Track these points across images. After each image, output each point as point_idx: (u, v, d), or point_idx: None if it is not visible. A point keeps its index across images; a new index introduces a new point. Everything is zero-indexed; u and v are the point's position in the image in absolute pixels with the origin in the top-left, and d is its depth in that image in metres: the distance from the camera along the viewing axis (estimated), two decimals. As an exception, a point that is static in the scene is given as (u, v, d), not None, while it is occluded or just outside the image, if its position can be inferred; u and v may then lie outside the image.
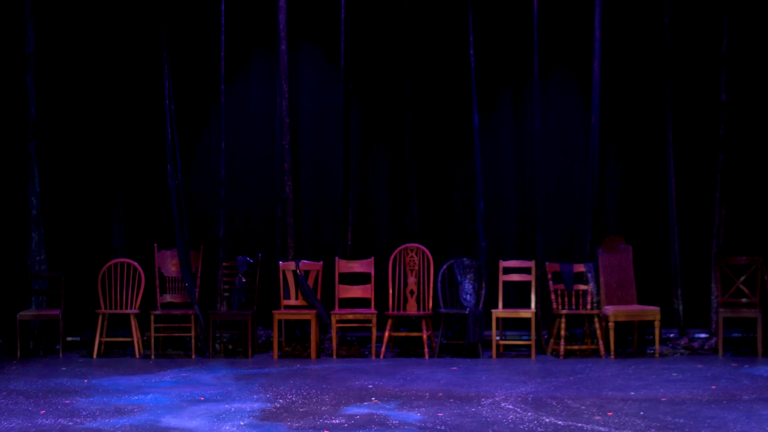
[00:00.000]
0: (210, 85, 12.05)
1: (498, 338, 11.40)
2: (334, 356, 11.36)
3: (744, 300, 11.38)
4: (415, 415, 8.07)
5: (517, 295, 11.89)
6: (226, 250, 11.85)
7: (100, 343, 11.51)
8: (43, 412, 8.41)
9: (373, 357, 11.33)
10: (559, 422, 7.82)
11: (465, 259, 11.72)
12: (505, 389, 9.27)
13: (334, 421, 8.00)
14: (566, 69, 12.18)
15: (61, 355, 11.52)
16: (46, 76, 11.95)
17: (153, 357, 11.45)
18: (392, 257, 11.70)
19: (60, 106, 12.05)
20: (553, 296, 11.39)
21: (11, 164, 12.02)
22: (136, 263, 11.74)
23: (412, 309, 11.62)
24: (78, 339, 12.07)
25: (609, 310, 11.13)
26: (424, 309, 11.58)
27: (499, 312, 11.39)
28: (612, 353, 11.09)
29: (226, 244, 11.85)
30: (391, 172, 12.26)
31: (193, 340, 11.47)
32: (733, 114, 11.69)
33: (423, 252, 11.68)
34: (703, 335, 11.75)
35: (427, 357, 11.23)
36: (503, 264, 11.69)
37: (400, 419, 7.97)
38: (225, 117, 11.94)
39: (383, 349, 11.35)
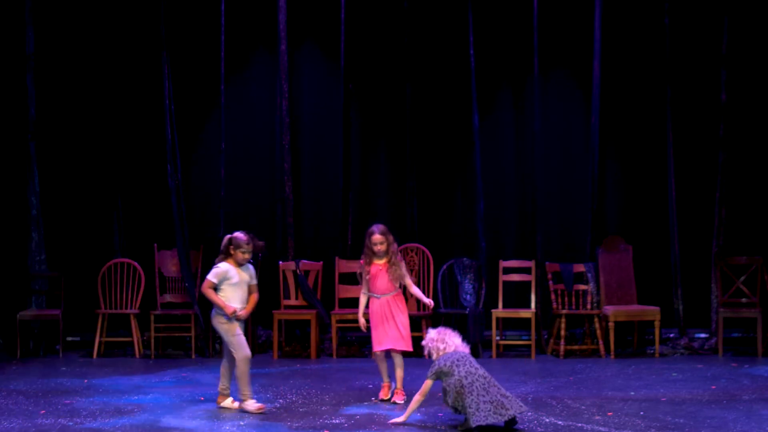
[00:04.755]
0: (210, 85, 12.05)
1: (498, 338, 11.40)
2: (334, 356, 11.35)
3: (744, 300, 11.38)
4: (415, 415, 8.05)
5: (517, 295, 11.88)
6: (226, 250, 11.84)
7: (100, 343, 11.51)
8: (43, 412, 8.41)
9: (373, 357, 11.31)
10: (559, 422, 7.82)
11: (465, 259, 11.72)
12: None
13: (334, 421, 8.00)
14: (566, 69, 12.18)
15: (61, 355, 11.52)
16: (46, 76, 11.95)
17: (153, 357, 11.45)
18: (392, 257, 11.69)
19: (60, 106, 12.05)
20: (553, 296, 11.39)
21: (11, 164, 12.02)
22: (136, 263, 11.74)
23: (412, 309, 11.60)
24: (78, 339, 12.07)
25: (609, 310, 11.13)
26: (424, 309, 11.58)
27: (499, 312, 11.39)
28: (612, 353, 11.09)
29: (226, 244, 11.84)
30: (391, 172, 12.26)
31: (193, 340, 11.47)
32: (733, 114, 11.69)
33: (423, 252, 11.68)
34: (703, 335, 11.75)
35: (427, 357, 11.20)
36: (503, 264, 11.69)
37: (400, 419, 7.97)
38: (225, 117, 11.94)
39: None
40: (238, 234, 8.17)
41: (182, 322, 11.66)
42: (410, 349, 8.88)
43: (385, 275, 8.77)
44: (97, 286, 11.65)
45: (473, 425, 7.41)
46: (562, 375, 10.05)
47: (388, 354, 8.90)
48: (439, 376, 7.66)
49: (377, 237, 8.75)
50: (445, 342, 7.82)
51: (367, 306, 8.93)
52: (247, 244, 8.11)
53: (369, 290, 8.85)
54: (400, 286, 8.85)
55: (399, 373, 8.81)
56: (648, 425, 7.68)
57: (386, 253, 8.76)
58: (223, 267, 8.23)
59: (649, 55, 11.92)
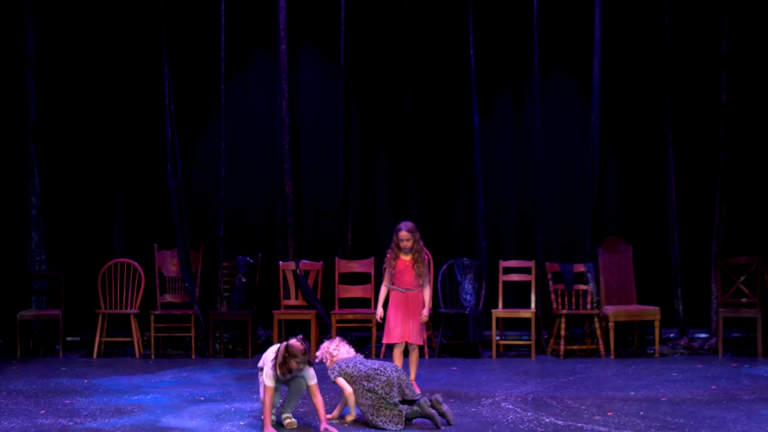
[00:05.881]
0: (210, 85, 12.05)
1: (498, 338, 11.40)
2: (334, 356, 11.33)
3: (744, 300, 11.38)
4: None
5: (517, 295, 11.89)
6: (226, 250, 11.85)
7: (100, 343, 11.52)
8: (43, 412, 8.41)
9: (373, 357, 11.32)
10: (559, 422, 7.83)
11: (465, 259, 11.72)
12: (505, 389, 9.28)
13: (334, 420, 8.00)
14: (566, 69, 12.18)
15: (61, 355, 11.52)
16: (46, 76, 11.95)
17: (153, 357, 11.45)
18: (392, 257, 11.68)
19: (60, 106, 12.05)
20: (553, 296, 11.39)
21: (11, 164, 12.03)
22: (136, 263, 11.74)
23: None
24: (78, 339, 12.07)
25: (609, 310, 11.14)
26: (424, 309, 11.57)
27: (499, 312, 11.39)
28: (612, 353, 11.09)
29: (226, 244, 11.85)
30: (391, 171, 12.26)
31: (193, 340, 11.47)
32: (733, 114, 11.69)
33: (423, 252, 11.67)
34: (703, 335, 11.75)
35: (427, 357, 11.22)
36: (503, 264, 11.69)
37: (400, 419, 7.97)
38: (225, 117, 11.94)
39: (383, 349, 11.35)
40: (294, 343, 7.70)
41: (182, 322, 11.66)
42: (421, 343, 9.25)
43: (411, 271, 9.07)
44: (97, 286, 11.65)
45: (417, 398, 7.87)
46: (562, 375, 10.05)
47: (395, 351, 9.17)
48: (342, 375, 8.03)
49: (404, 234, 9.03)
50: (338, 349, 8.20)
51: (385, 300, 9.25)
52: (303, 354, 7.68)
53: (393, 283, 9.13)
54: (421, 284, 9.11)
55: (413, 367, 9.09)
56: (648, 425, 7.68)
57: (412, 249, 9.04)
58: (273, 374, 7.75)
59: (649, 54, 11.92)
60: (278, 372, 7.68)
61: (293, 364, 7.66)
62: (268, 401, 7.71)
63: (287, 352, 7.68)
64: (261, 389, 7.87)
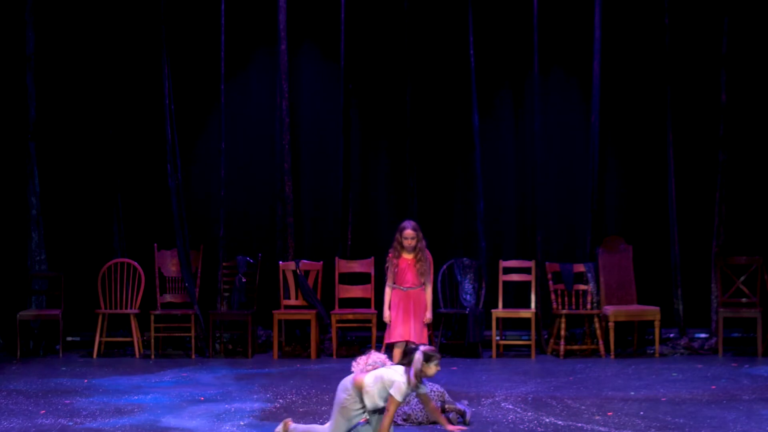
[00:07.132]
0: (210, 85, 12.04)
1: (498, 338, 11.40)
2: (334, 356, 11.35)
3: (744, 300, 11.38)
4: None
5: (517, 295, 11.89)
6: (226, 250, 11.85)
7: (100, 343, 11.51)
8: (43, 412, 8.41)
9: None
10: (559, 422, 7.83)
11: (465, 259, 11.72)
12: (505, 389, 9.28)
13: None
14: (566, 69, 12.18)
15: (61, 355, 11.51)
16: (46, 76, 11.95)
17: (153, 357, 11.45)
18: (392, 257, 11.68)
19: (60, 106, 12.05)
20: (553, 296, 11.39)
21: (11, 164, 12.02)
22: (136, 263, 11.73)
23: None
24: (78, 339, 12.07)
25: (609, 310, 11.13)
26: (424, 309, 11.57)
27: (499, 312, 11.39)
28: (612, 353, 11.09)
29: (226, 244, 11.85)
30: (391, 172, 12.26)
31: (193, 340, 11.47)
32: (733, 114, 11.69)
33: (423, 252, 11.67)
34: (703, 335, 11.75)
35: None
36: (503, 264, 11.69)
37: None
38: (225, 117, 11.94)
39: (383, 349, 11.34)
40: (427, 349, 7.08)
41: (182, 322, 11.65)
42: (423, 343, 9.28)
43: (413, 269, 9.22)
44: (97, 286, 11.64)
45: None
46: (562, 375, 10.06)
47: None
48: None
49: (409, 232, 9.20)
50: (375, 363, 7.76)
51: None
52: (439, 354, 7.21)
53: (395, 282, 9.25)
54: (423, 283, 9.21)
55: None
56: (648, 425, 7.69)
57: (415, 248, 9.20)
58: (407, 388, 7.07)
59: (649, 54, 11.92)
60: (415, 381, 7.05)
61: (434, 369, 7.12)
62: (393, 413, 7.02)
63: (425, 359, 7.06)
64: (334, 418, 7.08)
